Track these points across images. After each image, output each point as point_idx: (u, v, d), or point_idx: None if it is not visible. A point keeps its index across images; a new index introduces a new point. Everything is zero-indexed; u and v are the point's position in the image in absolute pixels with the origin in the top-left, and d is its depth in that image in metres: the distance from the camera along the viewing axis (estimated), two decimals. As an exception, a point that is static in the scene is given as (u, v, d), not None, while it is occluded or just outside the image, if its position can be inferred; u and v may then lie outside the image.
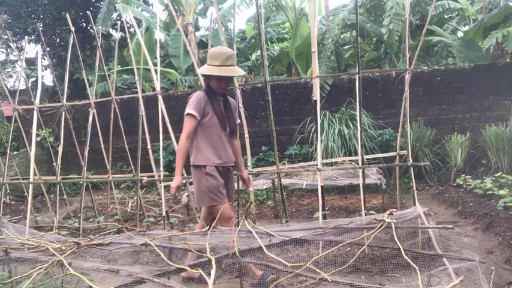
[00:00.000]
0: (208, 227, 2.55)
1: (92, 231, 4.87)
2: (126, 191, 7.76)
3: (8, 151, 4.86)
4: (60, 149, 4.48)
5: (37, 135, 7.19)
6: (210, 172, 2.97)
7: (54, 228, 4.43)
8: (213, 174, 2.97)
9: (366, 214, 3.53)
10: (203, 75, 3.09)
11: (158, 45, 5.04)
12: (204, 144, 2.99)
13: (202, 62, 11.09)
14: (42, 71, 9.89)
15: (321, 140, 5.43)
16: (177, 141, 4.61)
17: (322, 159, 5.94)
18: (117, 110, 4.74)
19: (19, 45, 11.11)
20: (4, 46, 11.62)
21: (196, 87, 9.54)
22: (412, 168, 3.53)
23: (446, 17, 10.07)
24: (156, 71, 4.45)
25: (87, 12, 5.30)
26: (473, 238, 3.67)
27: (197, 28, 12.17)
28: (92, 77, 5.45)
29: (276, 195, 5.42)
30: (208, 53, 3.00)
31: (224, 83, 3.02)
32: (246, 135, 3.97)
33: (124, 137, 5.14)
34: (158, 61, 4.72)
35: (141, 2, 12.19)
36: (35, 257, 2.43)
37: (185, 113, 2.95)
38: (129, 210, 6.14)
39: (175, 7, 10.21)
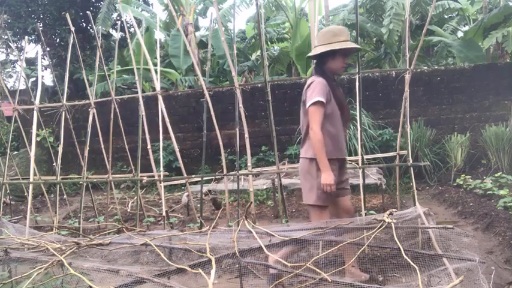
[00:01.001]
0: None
1: (92, 231, 4.87)
2: (126, 191, 7.76)
3: (8, 151, 4.86)
4: (60, 149, 4.48)
5: (37, 135, 7.20)
6: None
7: (54, 228, 4.42)
8: None
9: (366, 214, 3.53)
10: (318, 57, 2.84)
11: (158, 45, 5.03)
12: (324, 134, 2.73)
13: (202, 62, 11.12)
14: (42, 71, 9.89)
15: (321, 140, 5.42)
16: (177, 141, 4.64)
17: (322, 159, 5.92)
18: (117, 110, 4.74)
19: (19, 45, 11.12)
20: (4, 46, 11.62)
21: (196, 87, 9.54)
22: (412, 168, 3.53)
23: (446, 17, 10.09)
24: (156, 71, 4.44)
25: (87, 12, 5.30)
26: (473, 238, 3.67)
27: (197, 28, 12.19)
28: (92, 77, 5.45)
29: (276, 195, 5.42)
30: (326, 32, 2.83)
31: (347, 60, 2.86)
32: (246, 135, 3.97)
33: (124, 137, 5.14)
34: (158, 61, 4.71)
35: (141, 2, 12.20)
36: (35, 257, 2.43)
37: (312, 101, 2.69)
38: (129, 210, 6.14)
39: (175, 7, 10.22)
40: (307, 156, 2.83)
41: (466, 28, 9.42)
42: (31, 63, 11.31)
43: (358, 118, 3.66)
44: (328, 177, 2.67)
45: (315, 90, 2.71)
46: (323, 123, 2.74)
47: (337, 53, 2.77)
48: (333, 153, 2.79)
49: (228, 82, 11.46)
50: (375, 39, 10.15)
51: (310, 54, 2.94)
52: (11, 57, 12.07)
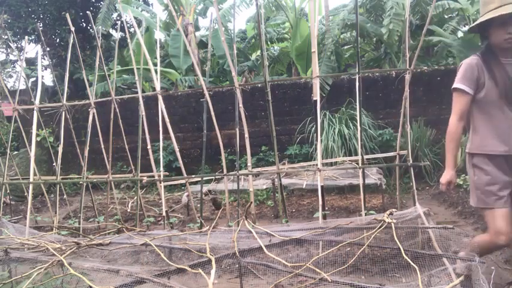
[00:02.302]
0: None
1: (92, 231, 4.87)
2: (126, 191, 7.76)
3: (8, 151, 4.85)
4: (60, 149, 4.48)
5: (37, 135, 7.19)
6: (478, 164, 2.35)
7: (54, 228, 4.42)
8: (482, 168, 2.33)
9: (366, 214, 3.53)
10: (480, 33, 2.42)
11: (158, 45, 5.03)
12: (481, 125, 2.36)
13: (202, 62, 11.11)
14: (42, 71, 9.89)
15: (321, 140, 5.43)
16: (177, 141, 4.64)
17: (322, 159, 5.94)
18: (117, 110, 4.73)
19: (19, 45, 11.12)
20: (4, 46, 11.62)
21: (196, 87, 9.54)
22: (412, 168, 3.53)
23: (446, 17, 10.07)
24: (156, 71, 4.44)
25: (87, 12, 5.30)
26: (473, 238, 3.66)
27: (197, 28, 12.19)
28: (92, 77, 5.45)
29: (276, 195, 5.42)
30: (480, 2, 2.38)
31: (510, 29, 2.23)
32: (246, 135, 3.97)
33: (124, 137, 5.14)
34: (158, 61, 4.70)
35: (141, 2, 12.21)
36: (35, 257, 2.43)
37: (452, 88, 2.43)
38: (129, 210, 6.14)
39: (175, 7, 10.22)
40: (467, 150, 2.49)
41: (466, 28, 9.41)
42: (31, 63, 11.30)
43: (358, 118, 3.65)
44: (445, 175, 2.36)
45: (458, 75, 2.40)
46: (478, 112, 2.40)
47: (490, 24, 2.28)
48: (493, 147, 2.32)
49: (228, 82, 11.46)
50: (374, 39, 10.14)
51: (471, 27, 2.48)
52: (11, 57, 12.06)
